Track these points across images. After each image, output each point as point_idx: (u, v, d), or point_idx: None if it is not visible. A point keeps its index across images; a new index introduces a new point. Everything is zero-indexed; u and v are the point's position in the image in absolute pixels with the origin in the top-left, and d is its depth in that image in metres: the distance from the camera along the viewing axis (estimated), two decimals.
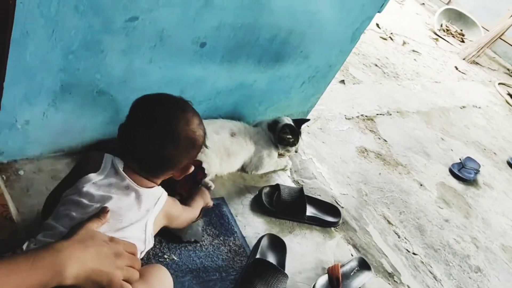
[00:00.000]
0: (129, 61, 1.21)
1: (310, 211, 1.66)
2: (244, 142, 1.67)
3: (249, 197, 1.64)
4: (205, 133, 1.00)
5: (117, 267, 0.81)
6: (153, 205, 1.00)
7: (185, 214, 1.19)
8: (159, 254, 1.27)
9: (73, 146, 1.36)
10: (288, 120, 1.77)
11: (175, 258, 1.29)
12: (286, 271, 1.35)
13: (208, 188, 1.55)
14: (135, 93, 1.31)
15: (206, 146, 1.02)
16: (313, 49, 1.69)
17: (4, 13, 0.87)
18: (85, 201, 0.91)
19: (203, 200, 1.33)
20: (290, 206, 1.62)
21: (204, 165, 1.49)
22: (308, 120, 1.88)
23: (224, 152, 1.59)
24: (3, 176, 1.23)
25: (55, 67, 1.08)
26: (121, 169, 0.97)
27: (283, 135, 1.72)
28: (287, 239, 1.52)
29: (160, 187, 1.04)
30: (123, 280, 0.82)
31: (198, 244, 1.36)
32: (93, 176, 0.95)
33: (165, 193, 1.05)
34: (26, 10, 0.92)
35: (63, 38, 1.03)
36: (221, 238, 1.42)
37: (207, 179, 1.55)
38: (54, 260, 0.72)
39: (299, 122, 1.81)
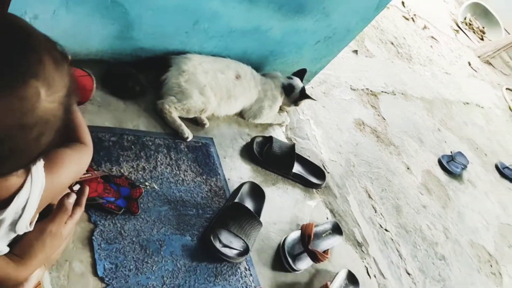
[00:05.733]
0: None
1: (296, 168, 1.67)
2: (248, 87, 1.65)
3: (241, 143, 1.65)
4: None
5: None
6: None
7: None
8: (141, 180, 1.28)
9: (77, 52, 1.33)
10: (300, 83, 1.79)
11: (156, 187, 1.30)
12: (261, 220, 1.38)
13: (203, 125, 1.55)
14: (150, 11, 1.29)
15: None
16: (336, 8, 1.64)
17: None
18: None
19: None
20: (278, 159, 1.63)
21: (200, 101, 1.48)
22: (305, 70, 1.85)
23: (225, 92, 1.57)
24: None
25: None
26: None
27: (299, 101, 1.81)
28: (269, 190, 1.54)
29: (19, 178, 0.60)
30: None
31: (180, 179, 1.37)
32: None
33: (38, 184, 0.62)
34: None
35: None
36: (204, 176, 1.43)
37: (202, 116, 1.54)
38: None
39: (301, 73, 1.84)
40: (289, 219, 1.53)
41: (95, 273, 1.02)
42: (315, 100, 1.94)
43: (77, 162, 0.72)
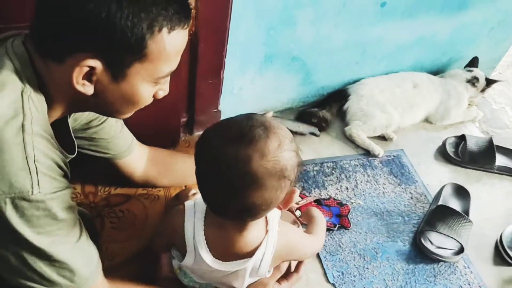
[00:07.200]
0: (316, 29, 1.40)
1: (500, 161, 1.62)
2: (428, 93, 1.70)
3: (432, 147, 1.69)
4: (296, 150, 0.75)
5: None
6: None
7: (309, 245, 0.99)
8: (347, 198, 1.46)
9: (273, 105, 1.64)
10: (481, 72, 1.78)
11: (361, 203, 1.46)
12: (471, 218, 1.39)
13: (391, 139, 1.66)
14: (322, 56, 1.51)
15: (302, 164, 0.78)
16: None
17: (225, 2, 1.14)
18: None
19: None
20: (477, 156, 1.61)
21: (383, 118, 1.61)
22: (477, 58, 1.82)
23: (406, 104, 1.66)
24: None
25: (260, 41, 1.34)
26: (204, 252, 0.84)
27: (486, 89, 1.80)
28: (473, 188, 1.53)
29: (261, 231, 0.85)
30: None
31: (381, 192, 1.50)
32: (183, 265, 0.89)
33: (271, 240, 0.85)
34: None
35: (266, 17, 1.28)
36: (402, 186, 1.53)
37: (388, 131, 1.66)
38: None
39: (474, 63, 1.82)
40: (502, 213, 1.49)
41: (327, 280, 1.23)
42: (503, 81, 1.88)
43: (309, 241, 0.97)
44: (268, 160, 0.69)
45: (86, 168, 1.32)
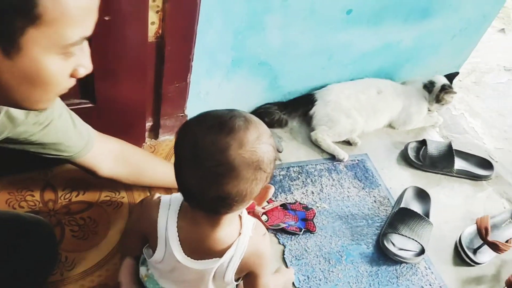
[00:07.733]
0: (284, 35, 1.41)
1: (459, 164, 1.68)
2: (391, 99, 1.75)
3: (395, 152, 1.73)
4: (273, 145, 0.76)
5: None
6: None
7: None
8: (312, 202, 1.48)
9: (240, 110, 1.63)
10: (443, 79, 1.81)
11: (326, 206, 1.48)
12: (432, 220, 1.43)
13: (355, 144, 1.69)
14: (289, 61, 1.53)
15: (279, 159, 0.82)
16: (464, 0, 1.64)
17: (193, 6, 1.12)
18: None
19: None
20: (437, 160, 1.66)
21: (348, 123, 1.64)
22: (457, 73, 1.85)
23: (370, 109, 1.70)
24: None
25: (228, 46, 1.34)
26: (175, 246, 0.84)
27: (444, 95, 1.76)
28: (434, 191, 1.58)
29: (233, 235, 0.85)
30: None
31: (346, 195, 1.52)
32: (152, 261, 0.89)
33: (243, 242, 0.86)
34: (208, 1, 1.16)
35: (234, 22, 1.27)
36: (366, 190, 1.56)
37: (353, 136, 1.68)
38: None
39: (450, 77, 1.83)
40: (461, 216, 1.54)
41: (293, 284, 1.24)
42: (454, 92, 1.79)
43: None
44: (246, 150, 0.70)
45: (46, 173, 1.27)
